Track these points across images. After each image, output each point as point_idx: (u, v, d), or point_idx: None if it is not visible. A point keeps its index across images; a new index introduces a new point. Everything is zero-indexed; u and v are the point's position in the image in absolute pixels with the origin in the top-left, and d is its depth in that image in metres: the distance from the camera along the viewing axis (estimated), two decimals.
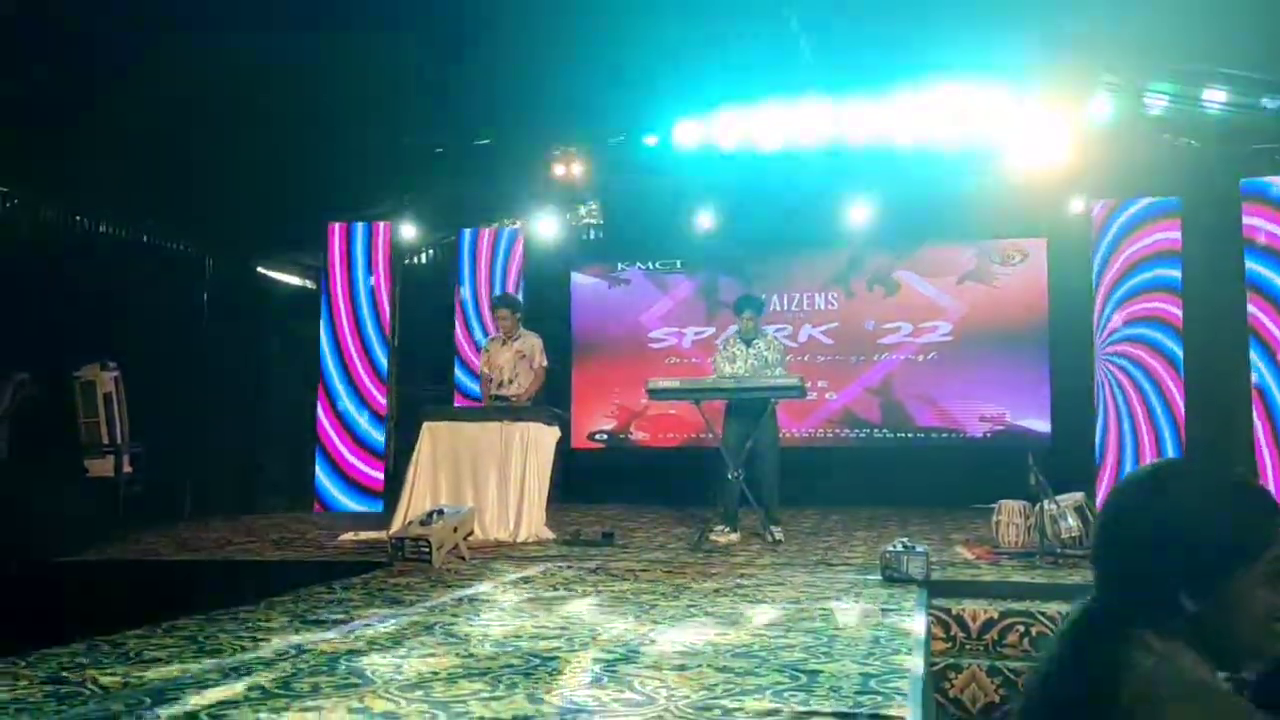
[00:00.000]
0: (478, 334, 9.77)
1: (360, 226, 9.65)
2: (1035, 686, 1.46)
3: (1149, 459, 8.36)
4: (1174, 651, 1.33)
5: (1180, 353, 8.39)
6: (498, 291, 9.69)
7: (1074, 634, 1.43)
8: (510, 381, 7.52)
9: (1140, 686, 1.29)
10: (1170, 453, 8.33)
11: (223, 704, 2.79)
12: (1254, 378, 7.89)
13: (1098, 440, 8.59)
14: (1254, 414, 7.88)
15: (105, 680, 3.08)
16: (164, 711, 2.72)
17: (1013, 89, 8.30)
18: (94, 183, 7.88)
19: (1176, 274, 8.46)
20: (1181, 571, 1.35)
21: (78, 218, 8.22)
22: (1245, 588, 1.35)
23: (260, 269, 10.11)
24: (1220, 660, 1.36)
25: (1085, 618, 1.44)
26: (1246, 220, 8.04)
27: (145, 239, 8.89)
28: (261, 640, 3.67)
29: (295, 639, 3.69)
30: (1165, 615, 1.35)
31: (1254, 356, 7.92)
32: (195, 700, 2.83)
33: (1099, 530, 1.48)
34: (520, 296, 9.18)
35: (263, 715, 2.68)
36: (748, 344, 7.24)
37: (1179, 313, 8.43)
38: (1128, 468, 8.44)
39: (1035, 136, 8.47)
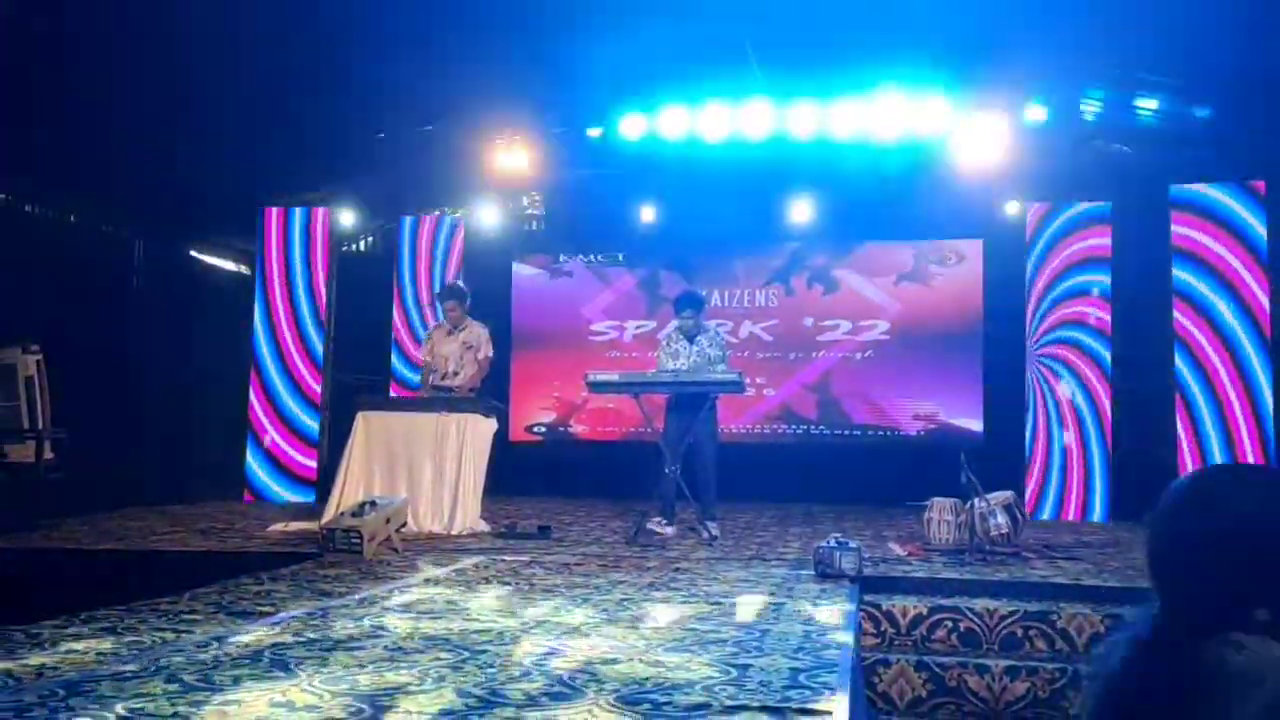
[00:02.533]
0: (416, 323, 9.67)
1: (298, 211, 9.49)
2: (1108, 701, 1.38)
3: (1076, 461, 8.54)
4: (1262, 643, 1.28)
5: (1108, 354, 8.58)
6: (437, 280, 9.59)
7: (1149, 645, 1.36)
8: (455, 373, 7.44)
9: (1240, 671, 1.25)
10: (1096, 452, 8.51)
11: (139, 696, 2.72)
12: (1176, 378, 8.10)
13: (1027, 439, 8.76)
14: (1176, 413, 8.09)
15: (19, 671, 2.98)
16: (78, 703, 2.64)
17: (951, 93, 8.41)
18: (19, 160, 7.64)
19: (1106, 277, 8.65)
20: (1256, 584, 1.32)
21: (2, 195, 7.97)
22: None
23: (193, 252, 9.89)
24: None
25: (1155, 630, 1.37)
26: (1175, 226, 8.24)
27: (73, 219, 8.64)
28: (184, 632, 3.59)
29: (218, 630, 3.61)
30: (1241, 621, 1.31)
31: (1178, 358, 8.12)
32: (111, 691, 2.75)
33: (1157, 544, 1.41)
34: (467, 289, 9.08)
35: (180, 709, 2.61)
36: (690, 340, 7.25)
37: (1107, 315, 8.62)
38: (1056, 467, 8.61)
39: (973, 139, 8.60)
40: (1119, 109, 8.60)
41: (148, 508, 8.14)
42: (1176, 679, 1.30)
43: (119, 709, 2.60)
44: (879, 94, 8.49)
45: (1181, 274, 8.20)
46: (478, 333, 7.53)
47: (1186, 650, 1.30)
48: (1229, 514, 1.34)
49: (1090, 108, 8.69)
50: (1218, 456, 7.93)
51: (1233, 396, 7.99)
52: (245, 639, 3.47)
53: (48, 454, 7.09)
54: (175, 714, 2.57)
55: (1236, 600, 1.31)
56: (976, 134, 8.60)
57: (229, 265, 10.33)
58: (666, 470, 6.86)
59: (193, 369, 9.60)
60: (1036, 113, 8.55)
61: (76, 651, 3.26)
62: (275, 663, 3.13)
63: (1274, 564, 1.31)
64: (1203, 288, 8.12)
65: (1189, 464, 7.97)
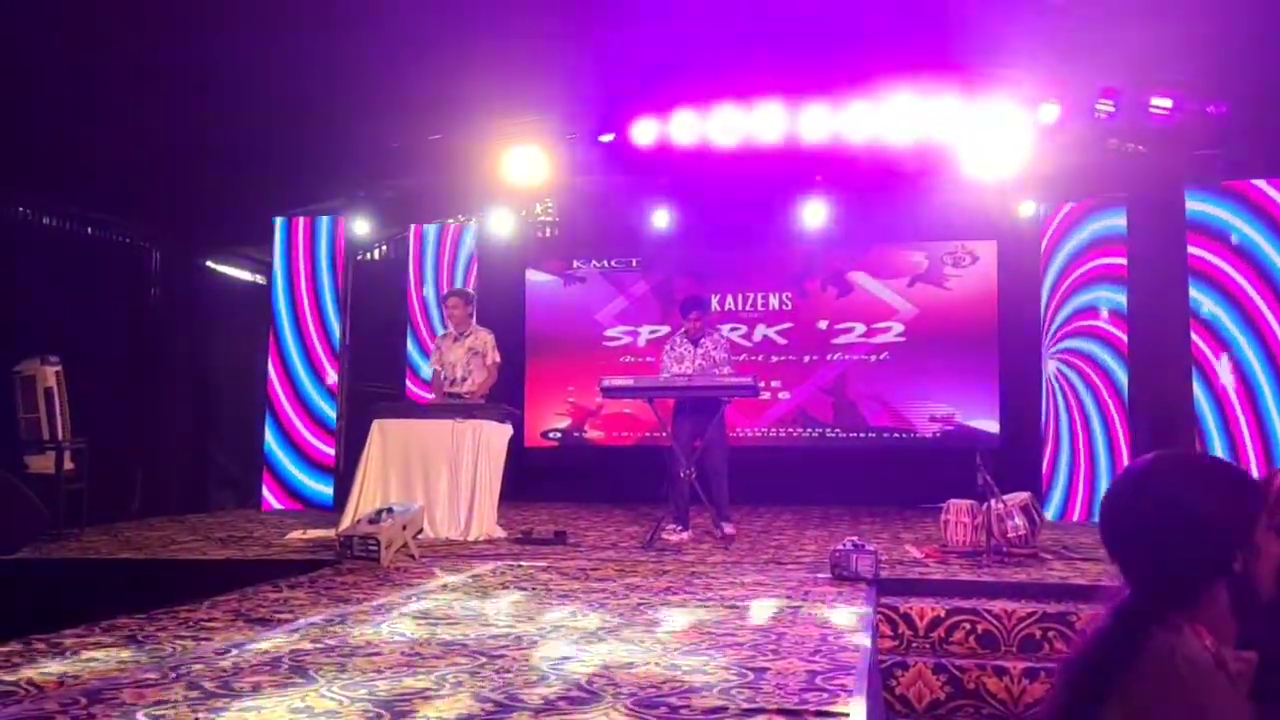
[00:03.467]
0: (430, 331, 9.69)
1: (311, 221, 9.54)
2: (1070, 683, 1.52)
3: (1100, 460, 8.49)
4: (1193, 636, 1.44)
5: (1126, 354, 8.52)
6: (451, 288, 9.61)
7: (1105, 632, 1.51)
8: (463, 379, 7.47)
9: (1161, 669, 1.39)
10: (1121, 454, 8.46)
11: (160, 704, 2.74)
12: (1199, 378, 8.02)
13: (1044, 440, 8.72)
14: (1195, 408, 8.01)
15: (41, 680, 3.01)
16: (100, 710, 2.67)
17: (965, 93, 8.39)
18: (38, 174, 7.70)
19: (1123, 274, 8.58)
20: (1207, 551, 1.49)
21: (20, 209, 8.03)
22: (1261, 545, 1.52)
23: (209, 263, 9.94)
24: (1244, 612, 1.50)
25: (1115, 616, 1.52)
26: (1190, 225, 8.18)
27: (90, 231, 8.70)
28: (203, 640, 3.61)
29: (238, 638, 3.63)
30: (1190, 596, 1.47)
31: (1195, 359, 8.05)
32: (132, 699, 2.78)
33: (1113, 530, 1.58)
34: (474, 293, 9.12)
35: (201, 715, 2.64)
36: (695, 343, 7.26)
37: (1125, 312, 8.56)
38: (1075, 468, 8.57)
39: (987, 140, 8.57)
40: (1134, 108, 8.55)
41: (167, 517, 8.20)
42: (1126, 658, 1.43)
43: (140, 716, 2.62)
44: (891, 95, 8.47)
45: (1197, 267, 8.10)
46: (484, 338, 7.55)
47: (1140, 630, 1.44)
48: (1163, 497, 1.52)
49: (1105, 107, 8.64)
50: (1248, 444, 7.78)
51: (1265, 382, 7.83)
52: (264, 646, 3.49)
53: (68, 464, 7.13)
54: (196, 719, 2.59)
55: (1196, 568, 1.48)
56: (990, 134, 8.57)
57: (245, 275, 10.39)
58: (681, 475, 6.86)
59: (210, 379, 9.66)
60: (1050, 112, 8.51)
61: (98, 660, 3.29)
62: (294, 669, 3.15)
63: (1219, 533, 1.49)
64: (1222, 282, 8.02)
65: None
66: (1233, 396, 7.88)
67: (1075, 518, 8.47)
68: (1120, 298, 8.56)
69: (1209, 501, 1.50)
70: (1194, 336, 8.01)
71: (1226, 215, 8.05)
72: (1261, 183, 7.98)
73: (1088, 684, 1.46)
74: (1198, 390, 8.00)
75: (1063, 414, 8.65)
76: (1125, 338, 8.54)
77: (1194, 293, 8.01)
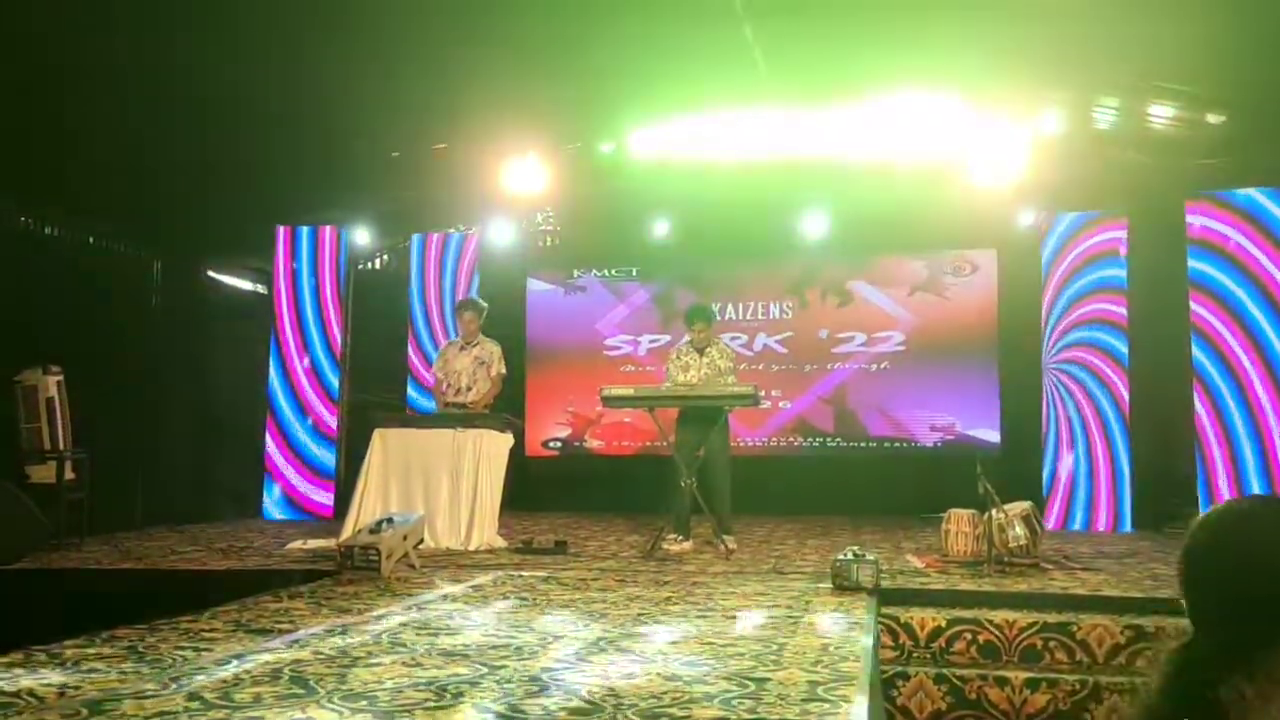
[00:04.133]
0: (429, 342, 9.70)
1: (311, 231, 9.56)
2: None
3: (1101, 469, 8.49)
4: (1269, 696, 1.28)
5: (1126, 363, 8.52)
6: (451, 298, 9.64)
7: (1171, 679, 1.36)
8: (469, 388, 7.47)
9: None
10: (1121, 463, 8.46)
11: (161, 714, 2.74)
12: (1199, 385, 8.03)
13: (1046, 450, 8.72)
14: (1195, 422, 8.02)
15: (41, 691, 3.01)
16: None
17: (964, 103, 8.41)
18: (39, 183, 7.72)
19: (1123, 283, 8.60)
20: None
21: (22, 219, 8.05)
22: None
23: (211, 273, 9.96)
24: None
25: (1182, 661, 1.37)
26: (1191, 235, 8.20)
27: (91, 240, 8.71)
28: (204, 650, 3.61)
29: (238, 648, 3.63)
30: (1266, 654, 1.30)
31: (1196, 365, 8.05)
32: (132, 710, 2.77)
33: (1197, 568, 1.41)
34: (486, 304, 9.13)
35: None
36: (700, 352, 7.26)
37: (1125, 322, 8.57)
38: (1076, 477, 8.56)
39: (986, 150, 8.59)
40: (1133, 117, 8.58)
41: (168, 527, 8.19)
42: (1189, 709, 1.30)
43: None
44: (891, 105, 8.49)
45: (1199, 282, 8.12)
46: (491, 349, 7.56)
47: (1207, 682, 1.29)
48: (1260, 548, 1.34)
49: (1104, 116, 8.67)
50: (1249, 464, 7.83)
51: (1263, 399, 7.87)
52: (265, 657, 3.49)
53: (69, 474, 7.13)
54: None
55: (1260, 634, 1.30)
56: (990, 144, 8.60)
57: (246, 285, 10.40)
58: (682, 483, 6.86)
59: (212, 388, 9.66)
60: (1050, 122, 8.53)
61: (99, 670, 3.28)
62: (295, 680, 3.15)
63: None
64: (1221, 287, 8.04)
65: (1217, 474, 7.88)
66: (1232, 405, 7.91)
67: (1076, 527, 8.47)
68: (1121, 321, 8.57)
69: None
70: (1202, 311, 8.03)
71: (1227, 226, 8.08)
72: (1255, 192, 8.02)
73: None
74: (1197, 400, 8.02)
75: (1063, 423, 8.66)
76: (1125, 346, 8.55)
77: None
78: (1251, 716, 1.26)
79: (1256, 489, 7.75)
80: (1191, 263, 8.13)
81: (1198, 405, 8.00)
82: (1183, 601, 1.40)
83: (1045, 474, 8.69)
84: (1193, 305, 8.08)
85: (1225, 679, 1.28)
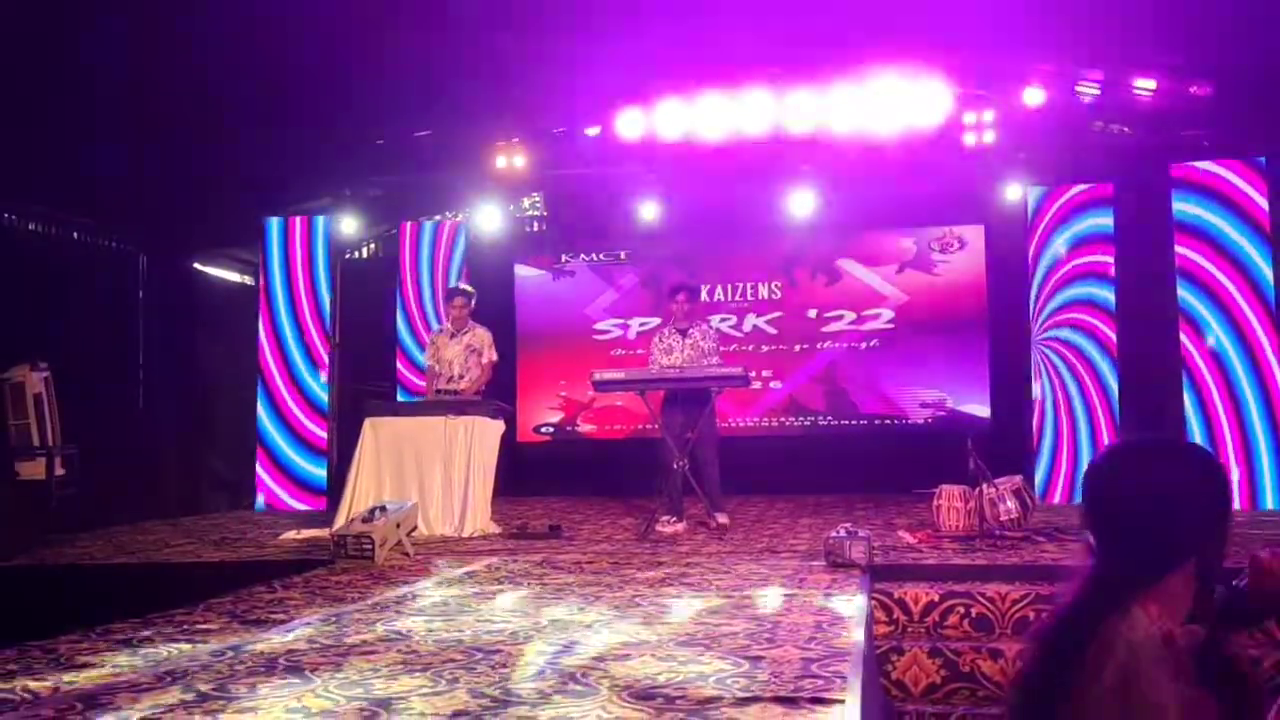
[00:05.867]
0: (420, 328, 9.68)
1: (299, 220, 9.52)
2: (1038, 659, 1.60)
3: (1084, 441, 8.52)
4: (1141, 615, 1.50)
5: (1113, 336, 8.56)
6: (440, 285, 9.61)
7: (1074, 607, 1.58)
8: (460, 376, 7.47)
9: (1102, 656, 1.46)
10: (1108, 435, 8.50)
11: (157, 707, 2.74)
12: (1184, 358, 8.08)
13: (1035, 424, 8.75)
14: (1183, 391, 8.07)
15: (35, 686, 3.01)
16: (95, 716, 2.67)
17: (946, 76, 8.39)
18: (21, 179, 7.66)
19: (1109, 259, 8.62)
20: (1188, 536, 1.56)
21: (5, 215, 8.00)
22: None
23: (197, 265, 9.91)
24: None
25: (1087, 590, 1.58)
26: (1176, 205, 8.22)
27: (76, 236, 8.66)
28: (198, 642, 3.61)
29: (233, 640, 3.63)
30: (1155, 577, 1.54)
31: (1184, 338, 8.10)
32: (129, 704, 2.78)
33: (1099, 505, 1.63)
34: (474, 290, 9.12)
35: (197, 718, 2.64)
36: (683, 334, 7.26)
37: (1112, 298, 8.60)
38: (1064, 450, 8.60)
39: (971, 123, 8.59)
40: (1117, 89, 8.57)
41: (160, 520, 8.18)
42: (1081, 643, 1.50)
43: None
44: (876, 81, 8.47)
45: (1185, 251, 8.16)
46: (481, 336, 7.56)
47: (1097, 613, 1.51)
48: (1141, 481, 1.59)
49: (1088, 89, 8.66)
50: (1226, 433, 7.91)
51: (1241, 372, 7.95)
52: (260, 647, 3.50)
53: (58, 470, 7.12)
54: None
55: (1175, 551, 1.54)
56: (975, 118, 8.59)
57: (233, 276, 10.36)
58: (674, 466, 6.87)
59: (201, 381, 9.63)
60: (1034, 95, 8.52)
61: (93, 665, 3.28)
62: (290, 669, 3.15)
63: (1206, 520, 1.57)
64: (1207, 265, 8.09)
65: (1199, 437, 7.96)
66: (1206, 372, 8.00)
67: (1067, 499, 8.51)
68: (1108, 293, 8.60)
69: (1184, 489, 1.57)
70: (1187, 295, 8.09)
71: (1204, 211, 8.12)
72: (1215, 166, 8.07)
73: (1044, 672, 1.54)
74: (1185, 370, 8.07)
75: (1052, 396, 8.68)
76: (1113, 319, 8.57)
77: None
78: (1134, 632, 1.47)
79: (1241, 464, 7.85)
80: (1178, 236, 8.17)
81: (1185, 376, 8.07)
82: (1091, 532, 1.63)
83: (1035, 447, 8.71)
84: (1180, 266, 8.13)
85: (1118, 599, 1.52)
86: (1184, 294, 8.13)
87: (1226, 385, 7.98)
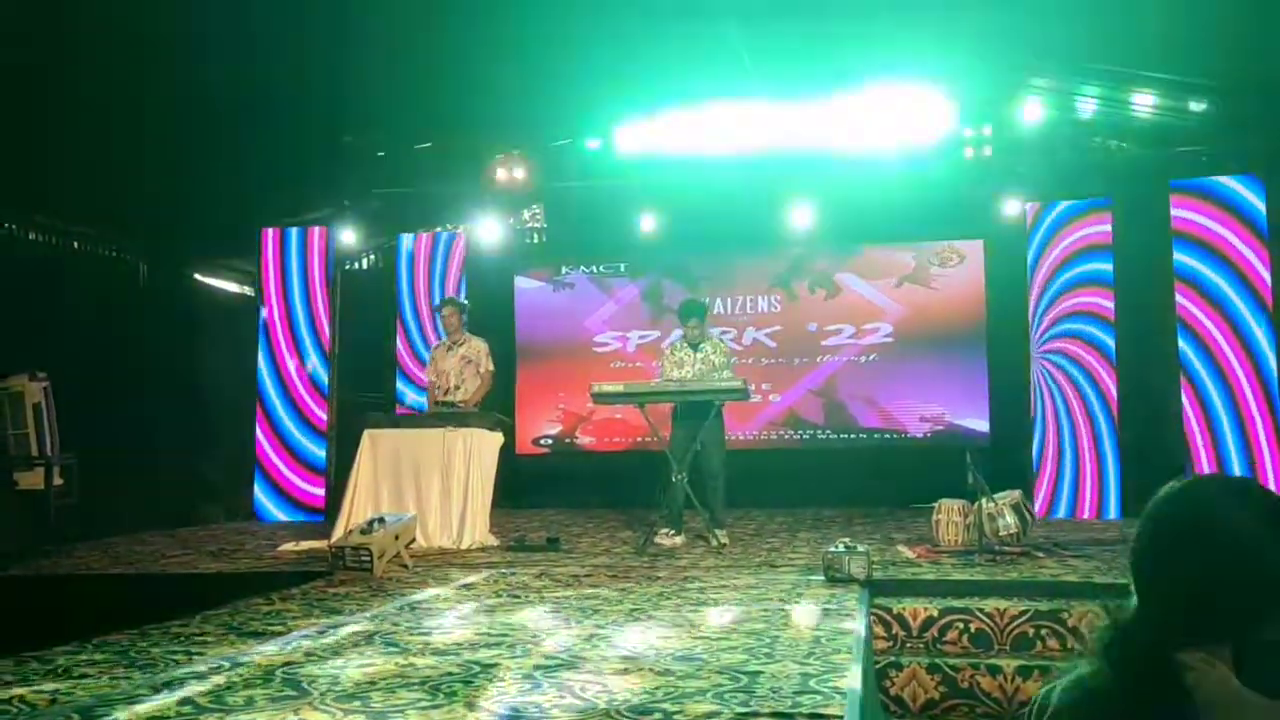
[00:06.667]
0: (418, 340, 9.68)
1: (297, 232, 9.53)
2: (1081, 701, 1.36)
3: (1088, 457, 8.51)
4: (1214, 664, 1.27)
5: (1113, 349, 8.55)
6: (439, 296, 9.61)
7: (1118, 652, 1.34)
8: (457, 388, 7.47)
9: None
10: (1108, 450, 8.49)
11: (154, 719, 2.73)
12: (1184, 374, 8.07)
13: (1034, 439, 8.74)
14: (1184, 406, 8.06)
15: (32, 698, 3.00)
16: None
17: (946, 92, 8.43)
18: (20, 190, 7.68)
19: (1109, 271, 8.62)
20: (1256, 602, 1.28)
21: (6, 224, 8.01)
22: None
23: (196, 275, 9.92)
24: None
25: (1125, 635, 1.35)
26: (1176, 221, 8.23)
27: (75, 245, 8.67)
28: (196, 654, 3.60)
29: (230, 652, 3.62)
30: (1215, 636, 1.29)
31: (1183, 349, 8.09)
32: (125, 716, 2.77)
33: (1155, 543, 1.37)
34: (467, 302, 9.14)
35: None
36: (694, 348, 7.26)
37: (1111, 310, 8.60)
38: (1064, 465, 8.59)
39: (970, 139, 8.62)
40: (1116, 105, 8.61)
41: (158, 531, 8.16)
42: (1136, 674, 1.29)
43: None
44: (876, 96, 8.51)
45: (1183, 261, 8.15)
46: (477, 347, 7.56)
47: (1155, 645, 1.29)
48: (1237, 532, 1.30)
49: (1087, 105, 8.70)
50: (1230, 448, 7.90)
51: (1244, 383, 7.94)
52: (257, 659, 3.49)
53: (57, 480, 7.12)
54: None
55: (1234, 618, 1.28)
56: (974, 134, 8.62)
57: (232, 287, 10.37)
58: (674, 479, 6.87)
59: (200, 392, 9.62)
60: (1033, 111, 8.55)
61: (90, 676, 3.27)
62: (287, 682, 3.15)
63: (1249, 587, 1.28)
64: (1205, 276, 8.08)
65: (1201, 458, 7.95)
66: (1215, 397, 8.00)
67: (1066, 514, 8.50)
68: (1108, 308, 8.60)
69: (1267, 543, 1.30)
70: (1186, 304, 8.08)
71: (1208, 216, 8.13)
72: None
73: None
74: (1184, 384, 8.07)
75: (1051, 411, 8.68)
76: (1112, 335, 8.58)
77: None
78: (1199, 680, 1.26)
79: (1239, 470, 7.82)
80: (1177, 255, 8.17)
81: (1184, 391, 8.06)
82: (1130, 570, 1.37)
83: (1034, 462, 8.71)
84: (1178, 295, 8.12)
85: (1173, 646, 1.28)
86: (1184, 304, 8.12)
87: (1225, 392, 7.97)
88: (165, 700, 2.94)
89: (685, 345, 7.30)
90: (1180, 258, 8.17)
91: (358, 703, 2.88)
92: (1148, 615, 1.33)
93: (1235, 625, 1.28)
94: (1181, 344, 8.12)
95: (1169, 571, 1.33)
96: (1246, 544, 1.29)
